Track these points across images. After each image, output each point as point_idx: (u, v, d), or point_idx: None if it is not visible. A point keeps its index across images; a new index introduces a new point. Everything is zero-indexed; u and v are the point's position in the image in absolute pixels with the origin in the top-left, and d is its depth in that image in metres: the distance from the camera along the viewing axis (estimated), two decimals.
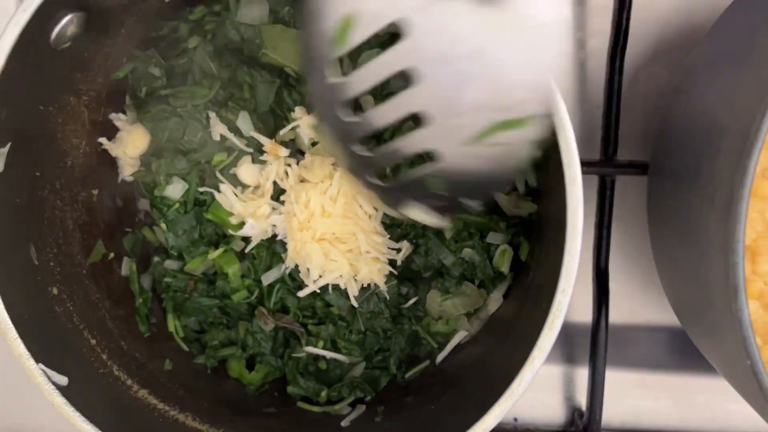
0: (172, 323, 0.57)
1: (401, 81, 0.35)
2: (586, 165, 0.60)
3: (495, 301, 0.57)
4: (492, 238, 0.55)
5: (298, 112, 0.54)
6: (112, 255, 0.58)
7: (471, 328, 0.57)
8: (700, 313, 0.47)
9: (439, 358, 0.58)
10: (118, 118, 0.56)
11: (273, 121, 0.56)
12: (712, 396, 0.65)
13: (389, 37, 0.35)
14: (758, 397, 0.40)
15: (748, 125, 0.37)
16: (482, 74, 0.33)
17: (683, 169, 0.47)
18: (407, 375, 0.58)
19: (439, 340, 0.58)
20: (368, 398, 0.57)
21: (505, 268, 0.56)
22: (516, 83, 0.33)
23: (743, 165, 0.37)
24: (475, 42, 0.32)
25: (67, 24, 0.44)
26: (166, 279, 0.56)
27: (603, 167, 0.60)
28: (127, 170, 0.58)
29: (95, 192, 0.57)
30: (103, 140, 0.56)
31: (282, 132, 0.54)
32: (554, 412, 0.67)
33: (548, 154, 0.42)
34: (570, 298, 0.63)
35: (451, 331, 0.57)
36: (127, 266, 0.59)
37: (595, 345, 0.61)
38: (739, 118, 0.39)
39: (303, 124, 0.54)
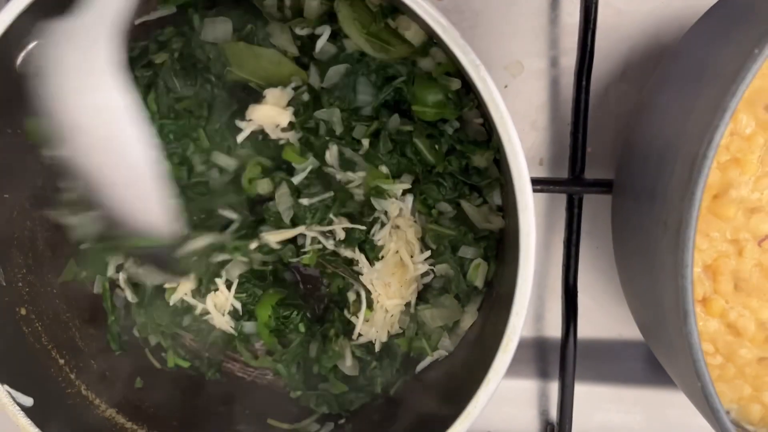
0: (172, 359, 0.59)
1: None
2: (554, 183, 0.61)
3: (470, 315, 0.57)
4: (463, 251, 0.56)
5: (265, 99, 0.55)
6: (84, 273, 0.58)
7: (451, 347, 0.58)
8: (657, 332, 0.47)
9: (419, 368, 0.58)
10: None
11: (229, 133, 0.56)
12: (684, 410, 0.65)
13: None
14: (710, 417, 0.41)
15: (696, 151, 0.38)
16: None
17: (641, 191, 0.47)
18: (391, 391, 0.59)
19: (413, 355, 0.59)
20: (342, 421, 0.58)
21: (479, 283, 0.56)
22: None
23: (690, 191, 0.37)
24: None
25: (33, 50, 0.45)
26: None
27: (570, 186, 0.60)
28: None
29: None
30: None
31: (240, 138, 0.55)
32: (529, 426, 0.68)
33: (506, 175, 0.43)
34: (536, 314, 0.65)
35: (432, 349, 0.58)
36: (99, 284, 0.59)
37: (564, 360, 0.62)
38: (689, 144, 0.39)
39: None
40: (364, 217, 0.57)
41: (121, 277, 0.59)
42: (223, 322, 0.59)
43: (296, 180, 0.55)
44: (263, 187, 0.56)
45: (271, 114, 0.53)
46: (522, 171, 0.39)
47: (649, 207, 0.45)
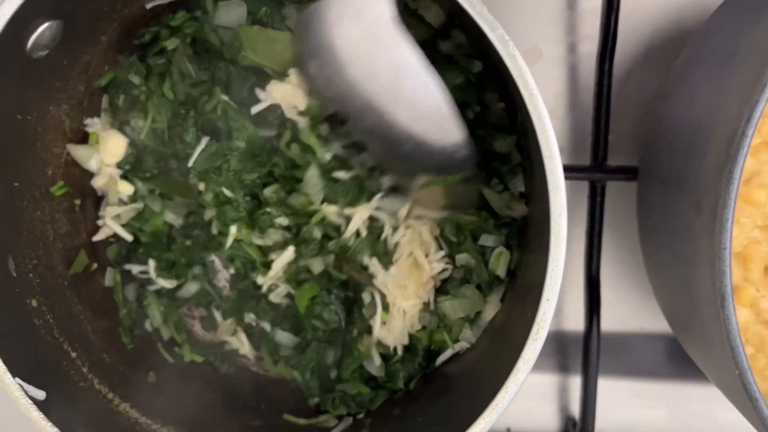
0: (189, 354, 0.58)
1: None
2: (576, 171, 0.60)
3: (493, 305, 0.55)
4: (484, 240, 0.54)
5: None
6: (95, 265, 0.57)
7: (473, 338, 0.56)
8: (689, 321, 0.46)
9: (438, 361, 0.57)
10: (93, 123, 0.55)
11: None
12: (708, 404, 0.64)
13: None
14: (747, 406, 0.40)
15: (733, 130, 0.36)
16: None
17: (670, 175, 0.46)
18: (411, 385, 0.57)
19: (434, 348, 0.57)
20: (361, 415, 0.56)
21: (501, 272, 0.54)
22: None
23: (729, 171, 0.36)
24: None
25: (43, 32, 0.44)
26: None
27: (593, 173, 0.59)
28: (100, 180, 0.57)
29: (77, 202, 0.56)
30: (70, 147, 0.54)
31: (255, 110, 0.54)
32: (548, 421, 0.66)
33: (533, 159, 0.42)
34: (561, 305, 0.64)
35: (453, 341, 0.56)
36: (110, 277, 0.58)
37: (587, 353, 0.60)
38: (725, 123, 0.38)
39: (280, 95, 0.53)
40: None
41: (151, 264, 0.58)
42: None
43: (326, 157, 0.54)
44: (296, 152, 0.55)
45: (291, 94, 0.51)
46: (552, 150, 0.37)
47: (680, 191, 0.43)
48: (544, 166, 0.37)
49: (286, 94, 0.52)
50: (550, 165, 0.37)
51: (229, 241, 0.57)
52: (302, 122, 0.53)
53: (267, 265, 0.58)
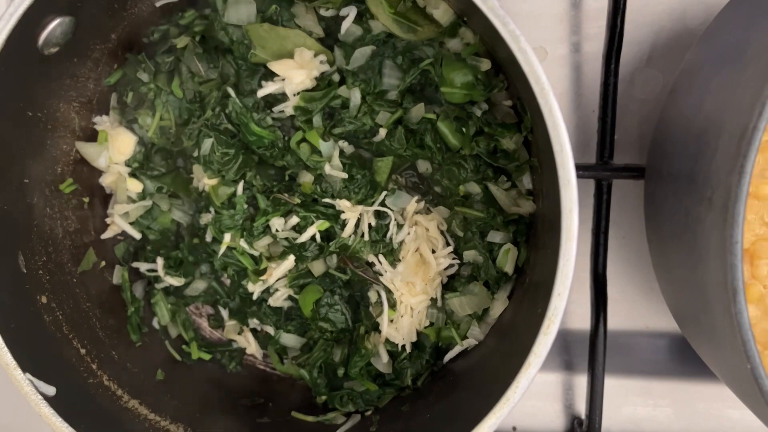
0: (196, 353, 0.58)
1: None
2: (582, 169, 0.60)
3: (500, 302, 0.55)
4: (492, 236, 0.54)
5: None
6: (103, 263, 0.57)
7: (481, 335, 0.56)
8: (699, 317, 0.46)
9: (446, 358, 0.57)
10: (101, 121, 0.55)
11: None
12: (713, 402, 0.64)
13: None
14: (759, 401, 0.40)
15: (745, 124, 0.36)
16: None
17: (680, 171, 0.46)
18: (418, 382, 0.57)
19: (442, 345, 0.57)
20: (369, 412, 0.56)
21: (509, 269, 0.54)
22: None
23: (740, 165, 0.36)
24: None
25: (55, 28, 0.44)
26: None
27: (599, 171, 0.59)
28: (109, 178, 0.57)
29: (86, 199, 0.56)
30: (79, 145, 0.55)
31: (261, 93, 0.53)
32: (553, 420, 0.66)
33: (542, 155, 0.42)
34: (566, 303, 0.63)
35: (461, 338, 0.56)
36: (118, 275, 0.58)
37: (593, 351, 0.60)
38: (736, 118, 0.38)
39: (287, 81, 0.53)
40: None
41: (159, 262, 0.58)
42: None
43: (334, 153, 0.54)
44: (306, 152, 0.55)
45: (295, 72, 0.51)
46: (564, 145, 0.37)
47: (691, 186, 0.43)
48: (555, 160, 0.38)
49: (291, 71, 0.52)
50: (562, 159, 0.38)
51: (222, 249, 0.57)
52: (298, 107, 0.54)
53: (259, 274, 0.58)
